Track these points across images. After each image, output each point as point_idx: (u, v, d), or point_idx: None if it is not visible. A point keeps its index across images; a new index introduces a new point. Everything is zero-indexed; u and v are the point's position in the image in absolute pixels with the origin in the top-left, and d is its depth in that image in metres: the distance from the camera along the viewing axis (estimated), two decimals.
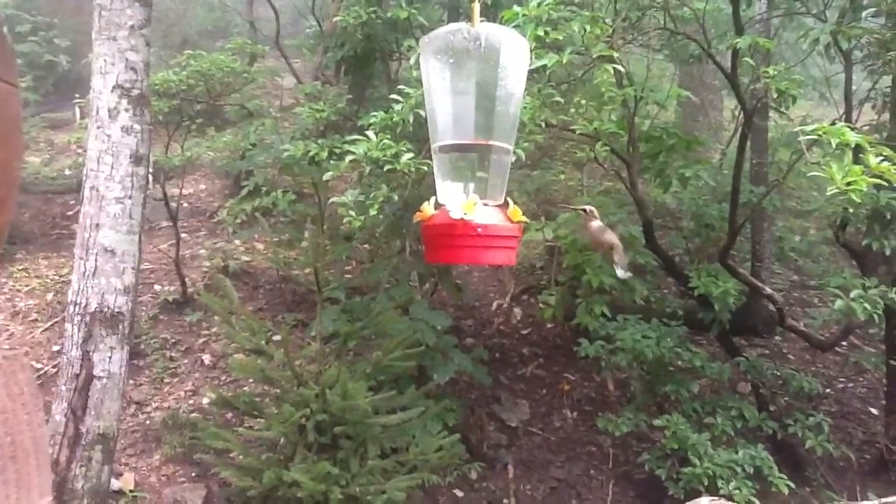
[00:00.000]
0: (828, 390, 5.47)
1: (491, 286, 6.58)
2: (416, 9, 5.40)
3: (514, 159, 4.17)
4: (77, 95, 9.32)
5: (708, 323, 4.97)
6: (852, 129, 3.45)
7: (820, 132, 3.27)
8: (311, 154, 4.71)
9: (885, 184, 3.00)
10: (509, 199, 1.20)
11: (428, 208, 1.18)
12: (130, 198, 3.84)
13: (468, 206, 1.12)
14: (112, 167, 3.81)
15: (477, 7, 1.22)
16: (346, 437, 3.75)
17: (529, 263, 6.63)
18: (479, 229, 1.12)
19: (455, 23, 1.24)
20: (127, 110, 3.84)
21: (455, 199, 1.15)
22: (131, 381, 5.17)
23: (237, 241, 7.10)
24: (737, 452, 4.11)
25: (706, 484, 3.95)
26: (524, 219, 1.18)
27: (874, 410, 5.31)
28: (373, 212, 4.02)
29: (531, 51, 3.87)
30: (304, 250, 4.39)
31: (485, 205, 1.16)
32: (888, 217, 4.07)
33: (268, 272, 6.61)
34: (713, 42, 4.81)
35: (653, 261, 5.15)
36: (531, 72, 3.89)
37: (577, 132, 4.72)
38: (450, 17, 7.39)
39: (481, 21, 1.21)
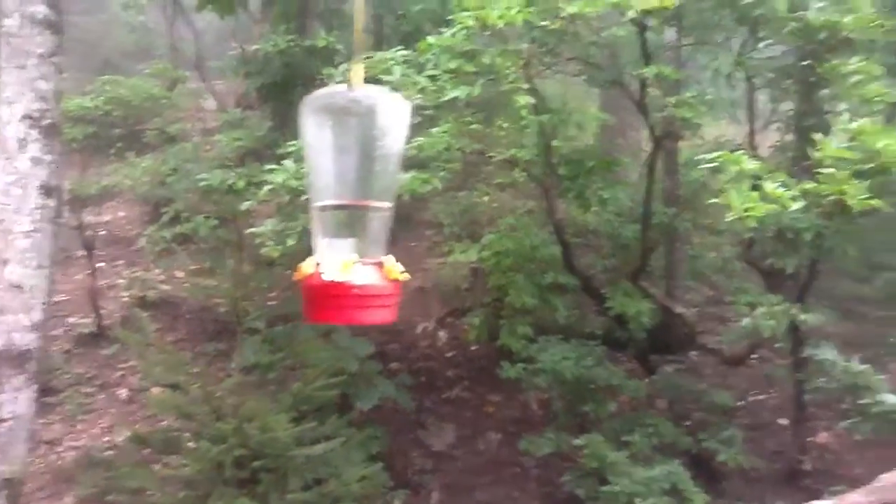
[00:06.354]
0: (740, 403, 5.65)
1: (416, 309, 6.60)
2: (335, 36, 5.43)
3: (430, 188, 4.21)
4: None
5: (625, 341, 5.10)
6: (753, 156, 3.62)
7: (720, 160, 3.44)
8: (229, 183, 4.66)
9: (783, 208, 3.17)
10: (384, 258, 1.20)
11: (307, 267, 1.19)
12: (40, 231, 3.72)
13: (345, 267, 1.14)
14: (21, 200, 3.70)
15: (359, 69, 1.25)
16: (266, 470, 3.70)
17: (454, 285, 6.67)
18: (356, 290, 1.14)
19: (335, 85, 1.27)
20: (37, 141, 3.72)
21: (332, 260, 1.16)
22: (41, 420, 4.96)
23: (157, 270, 6.93)
24: (654, 469, 4.21)
25: (624, 502, 4.03)
26: (401, 276, 1.20)
27: (784, 421, 5.51)
28: (291, 242, 4.01)
29: (446, 81, 3.96)
30: (225, 278, 4.34)
31: (363, 264, 1.18)
32: (791, 236, 4.25)
33: (188, 301, 6.46)
34: (627, 67, 4.95)
35: (573, 281, 5.25)
36: (448, 100, 3.95)
37: (496, 159, 4.82)
38: (375, 42, 7.40)
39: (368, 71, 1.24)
